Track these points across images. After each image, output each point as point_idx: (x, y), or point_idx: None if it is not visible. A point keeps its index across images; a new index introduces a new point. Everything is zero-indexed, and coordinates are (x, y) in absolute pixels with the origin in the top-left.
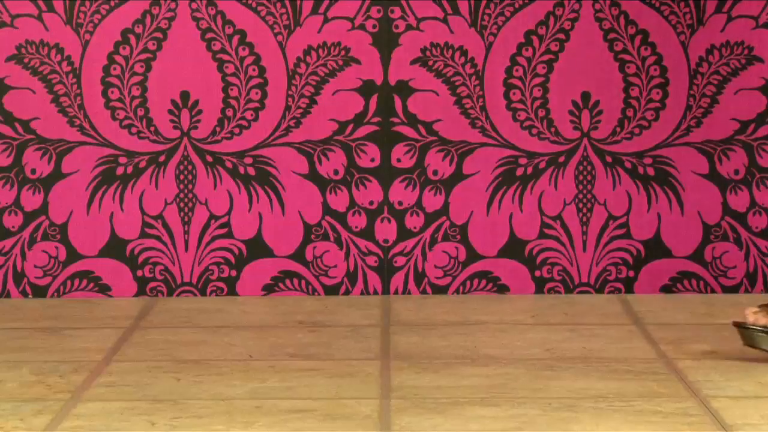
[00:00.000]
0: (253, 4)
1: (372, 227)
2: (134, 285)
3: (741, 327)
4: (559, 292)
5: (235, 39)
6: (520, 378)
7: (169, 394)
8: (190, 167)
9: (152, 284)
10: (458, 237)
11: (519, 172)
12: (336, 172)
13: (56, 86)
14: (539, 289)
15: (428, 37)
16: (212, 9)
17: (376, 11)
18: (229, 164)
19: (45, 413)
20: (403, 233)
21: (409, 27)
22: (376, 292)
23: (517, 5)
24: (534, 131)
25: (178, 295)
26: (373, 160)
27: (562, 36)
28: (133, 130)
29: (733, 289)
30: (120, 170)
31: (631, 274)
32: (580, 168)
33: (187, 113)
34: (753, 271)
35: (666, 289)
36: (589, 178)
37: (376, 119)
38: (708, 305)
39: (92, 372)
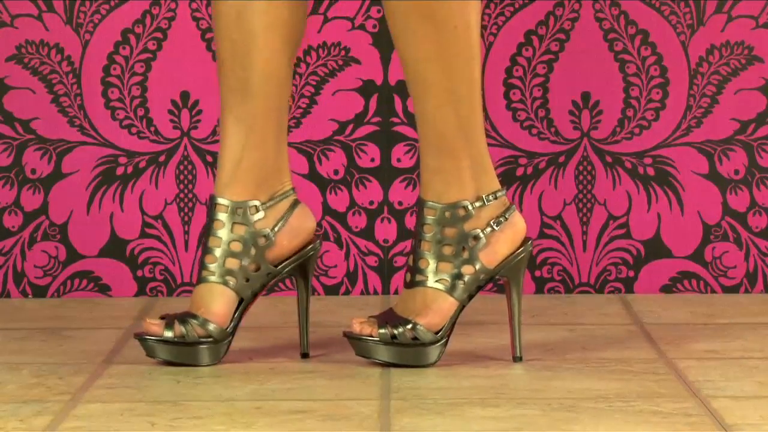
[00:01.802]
0: None
1: (372, 227)
2: (134, 285)
3: (351, 338)
4: (559, 292)
5: None
6: (520, 378)
7: (169, 395)
8: (190, 167)
9: (152, 284)
10: None
11: (519, 172)
12: (336, 172)
13: (56, 86)
14: (539, 289)
15: None
16: (212, 9)
17: (376, 11)
18: None
19: (45, 414)
20: (403, 233)
21: None
22: (376, 292)
23: (517, 5)
24: (534, 131)
25: (178, 295)
26: (373, 160)
27: (562, 36)
28: (133, 130)
29: (733, 289)
30: (120, 170)
31: (631, 274)
32: (580, 168)
33: (187, 113)
34: (753, 271)
35: (666, 289)
36: (589, 178)
37: (376, 119)
38: (708, 305)
39: (92, 373)
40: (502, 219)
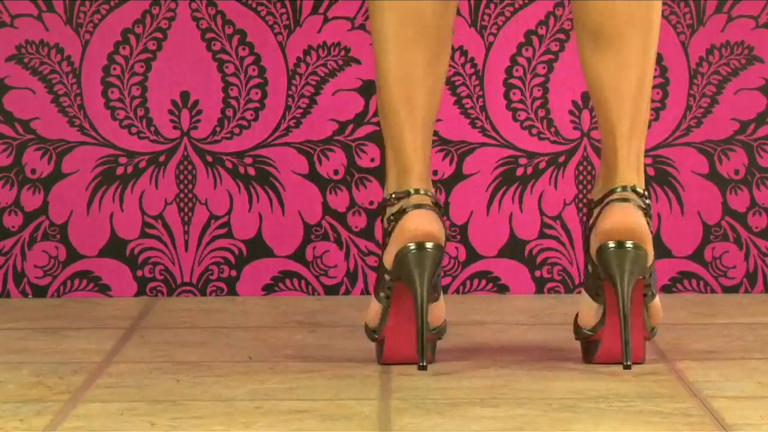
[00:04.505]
0: (253, 4)
1: (372, 227)
2: (134, 285)
3: None
4: (559, 292)
5: (235, 39)
6: (521, 378)
7: (168, 394)
8: (190, 167)
9: (152, 284)
10: (458, 237)
11: (519, 172)
12: (336, 172)
13: (56, 86)
14: (539, 289)
15: None
16: (212, 9)
17: None
18: (229, 164)
19: (45, 414)
20: None
21: None
22: None
23: (517, 5)
24: (534, 131)
25: (178, 295)
26: (373, 160)
27: (562, 36)
28: (133, 130)
29: (733, 289)
30: (120, 170)
31: None
32: (580, 168)
33: (187, 113)
34: (753, 271)
35: (666, 289)
36: (589, 178)
37: (376, 119)
38: (708, 305)
39: (92, 373)
40: (391, 219)
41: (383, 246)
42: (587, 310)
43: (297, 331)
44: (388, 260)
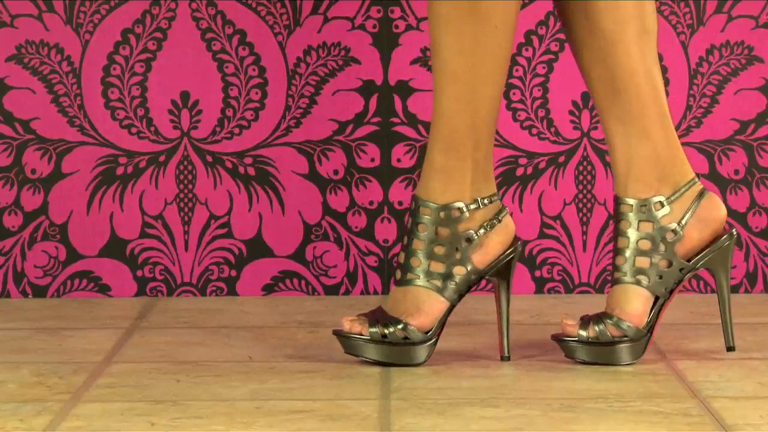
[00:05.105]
0: (253, 4)
1: (372, 227)
2: (134, 285)
3: (340, 336)
4: (559, 292)
5: (235, 39)
6: (520, 378)
7: (168, 394)
8: (190, 167)
9: (152, 284)
10: None
11: (519, 172)
12: (336, 172)
13: (56, 86)
14: (539, 289)
15: (428, 37)
16: (212, 9)
17: (375, 11)
18: (229, 164)
19: (45, 414)
20: (403, 233)
21: (409, 27)
22: (376, 292)
23: None
24: (534, 131)
25: (178, 295)
26: (373, 160)
27: (562, 36)
28: (133, 130)
29: (733, 289)
30: (120, 170)
31: None
32: (580, 168)
33: (187, 113)
34: (753, 271)
35: None
36: (589, 178)
37: (376, 119)
38: (708, 305)
39: (92, 373)
40: (495, 221)
41: (464, 248)
42: (645, 307)
43: (297, 331)
44: (487, 260)
